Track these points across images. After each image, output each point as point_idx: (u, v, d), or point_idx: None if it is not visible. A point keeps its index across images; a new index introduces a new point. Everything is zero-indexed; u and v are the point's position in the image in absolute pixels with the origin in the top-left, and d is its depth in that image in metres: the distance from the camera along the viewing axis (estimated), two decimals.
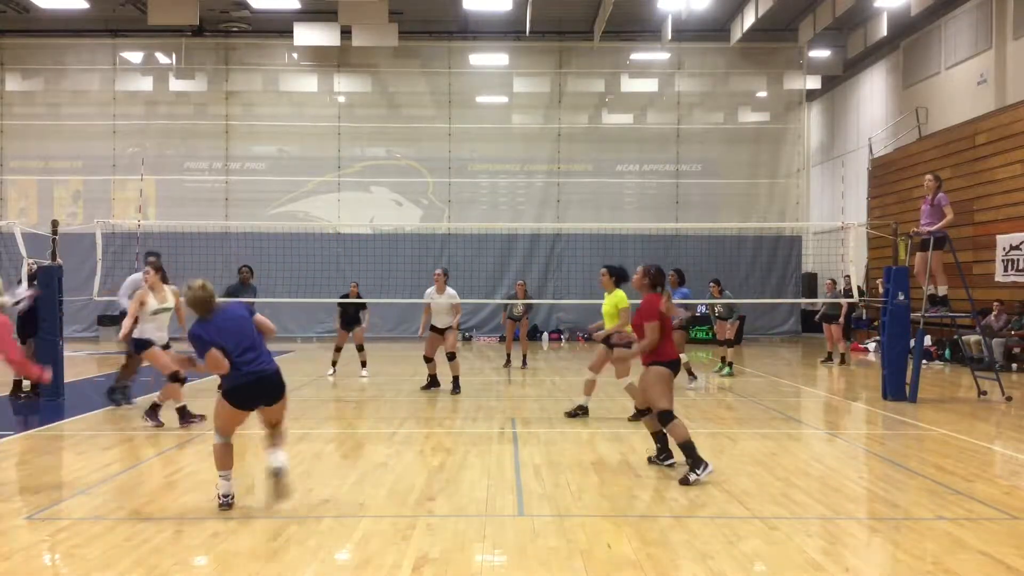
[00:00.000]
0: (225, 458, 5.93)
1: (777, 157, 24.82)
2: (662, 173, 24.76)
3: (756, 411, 10.76)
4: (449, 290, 12.19)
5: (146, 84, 24.54)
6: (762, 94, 25.32)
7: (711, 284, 15.35)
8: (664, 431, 7.12)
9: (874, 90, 23.84)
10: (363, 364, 14.47)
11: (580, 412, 10.06)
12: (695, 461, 6.64)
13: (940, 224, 11.34)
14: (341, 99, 24.80)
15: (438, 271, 12.31)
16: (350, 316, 14.25)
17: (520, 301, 16.34)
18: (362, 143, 24.77)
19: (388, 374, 14.88)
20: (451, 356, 12.17)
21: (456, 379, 12.25)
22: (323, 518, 5.77)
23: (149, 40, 24.18)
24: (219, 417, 5.96)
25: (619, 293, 9.40)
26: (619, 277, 9.44)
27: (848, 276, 16.98)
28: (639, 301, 7.33)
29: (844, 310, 16.92)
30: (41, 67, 24.45)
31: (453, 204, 24.52)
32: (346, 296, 14.34)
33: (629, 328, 9.63)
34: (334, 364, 14.53)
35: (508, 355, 16.37)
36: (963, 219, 17.35)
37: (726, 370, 14.86)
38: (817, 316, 18.02)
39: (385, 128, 24.56)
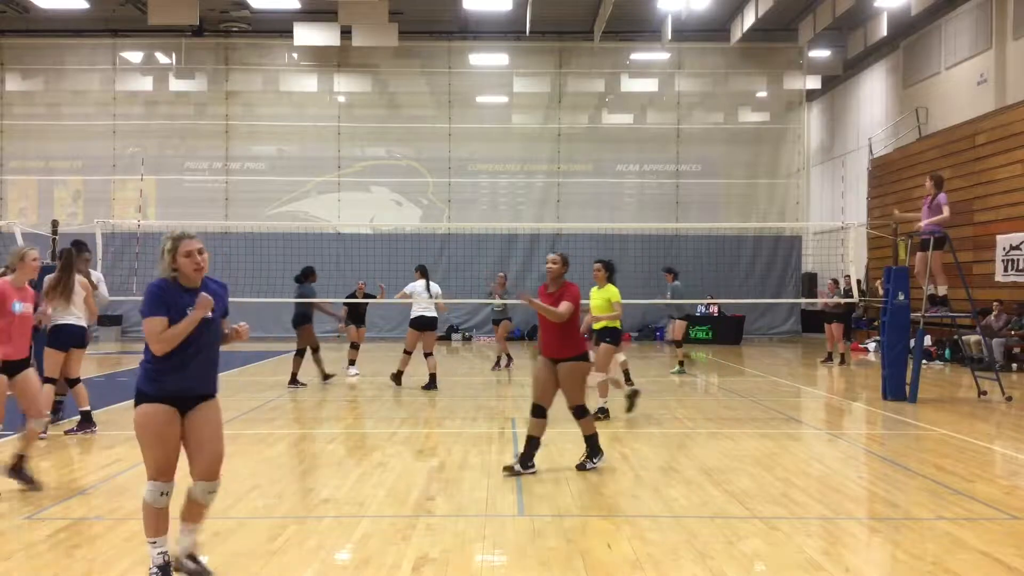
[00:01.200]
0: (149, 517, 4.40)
1: (777, 157, 24.83)
2: (662, 173, 24.76)
3: (756, 411, 10.76)
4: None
5: (146, 84, 24.56)
6: (762, 94, 25.32)
7: (664, 272, 15.19)
8: (595, 435, 7.30)
9: (874, 90, 23.84)
10: (352, 362, 14.52)
11: (601, 415, 9.73)
12: (594, 450, 7.23)
13: (935, 220, 11.31)
14: (341, 99, 24.80)
15: None
16: (359, 314, 14.39)
17: (496, 299, 15.58)
18: (362, 143, 24.77)
19: (388, 374, 14.88)
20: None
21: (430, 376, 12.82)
22: (323, 518, 5.77)
23: (149, 40, 24.19)
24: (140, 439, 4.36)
25: (611, 288, 9.65)
26: (612, 272, 9.77)
27: (848, 276, 16.98)
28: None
29: (832, 305, 16.83)
30: (41, 67, 24.47)
31: (453, 204, 24.52)
32: (352, 295, 14.45)
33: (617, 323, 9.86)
34: (352, 363, 14.51)
35: (508, 356, 16.32)
36: (963, 219, 17.36)
37: (676, 368, 14.98)
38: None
39: (385, 128, 24.57)
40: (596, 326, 9.80)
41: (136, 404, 4.33)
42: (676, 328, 15.28)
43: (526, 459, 7.07)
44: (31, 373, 6.61)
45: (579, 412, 7.15)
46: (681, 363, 15.13)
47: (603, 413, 9.83)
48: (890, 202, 21.25)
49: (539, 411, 7.09)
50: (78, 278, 8.55)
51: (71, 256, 8.47)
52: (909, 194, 19.58)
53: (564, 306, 7.00)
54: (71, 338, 8.58)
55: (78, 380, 8.86)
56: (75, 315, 8.55)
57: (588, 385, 9.14)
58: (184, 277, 4.35)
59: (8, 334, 6.40)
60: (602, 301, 9.66)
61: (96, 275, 9.79)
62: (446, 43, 24.54)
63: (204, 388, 4.44)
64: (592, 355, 9.55)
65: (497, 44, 24.76)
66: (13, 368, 6.45)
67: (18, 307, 6.48)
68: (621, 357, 11.20)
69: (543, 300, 7.16)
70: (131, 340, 22.93)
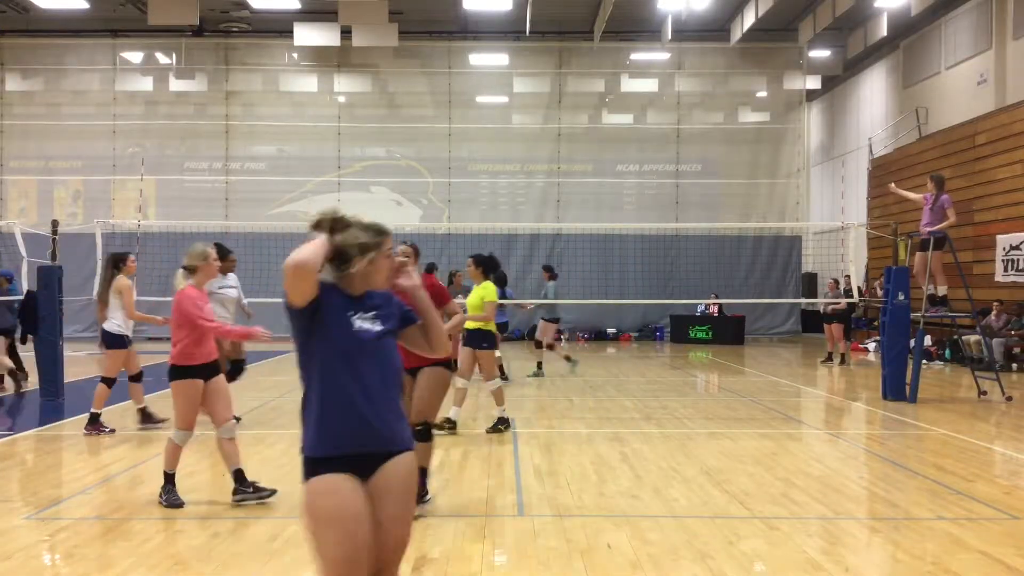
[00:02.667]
0: None
1: (777, 157, 24.82)
2: (662, 173, 24.76)
3: (756, 411, 10.76)
4: None
5: (146, 84, 24.54)
6: (762, 94, 25.32)
7: (543, 270, 14.51)
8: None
9: (874, 90, 23.84)
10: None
11: (448, 426, 8.90)
12: (424, 489, 5.91)
13: (941, 226, 11.36)
14: (341, 99, 24.80)
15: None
16: None
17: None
18: (362, 143, 24.77)
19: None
20: None
21: None
22: None
23: (149, 40, 24.18)
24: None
25: (488, 285, 8.82)
26: (487, 268, 8.83)
27: (848, 276, 16.99)
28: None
29: (839, 306, 16.83)
30: (41, 67, 24.46)
31: (453, 204, 24.52)
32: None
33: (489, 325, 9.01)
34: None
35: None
36: (963, 219, 17.33)
37: (534, 371, 14.23)
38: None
39: (385, 128, 24.56)
40: (468, 326, 8.84)
41: (306, 477, 2.97)
42: (544, 329, 14.43)
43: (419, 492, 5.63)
44: (222, 378, 6.35)
45: (425, 433, 5.89)
46: (539, 364, 14.29)
47: (504, 424, 9.06)
48: (890, 202, 21.24)
49: (426, 433, 5.92)
50: (119, 281, 8.78)
51: (107, 263, 8.99)
52: None
53: (455, 310, 5.98)
54: (106, 341, 8.93)
55: (104, 379, 8.99)
56: (108, 319, 8.83)
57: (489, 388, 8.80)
58: (361, 281, 3.13)
59: (203, 337, 6.22)
60: (477, 300, 8.78)
61: (227, 280, 9.41)
62: (446, 43, 24.54)
63: (388, 440, 3.05)
64: (459, 359, 8.98)
65: (497, 44, 24.75)
66: (209, 372, 6.20)
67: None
68: (498, 354, 10.20)
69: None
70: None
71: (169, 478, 6.07)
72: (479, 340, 9.03)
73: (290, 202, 24.34)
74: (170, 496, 6.01)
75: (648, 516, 5.85)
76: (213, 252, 6.41)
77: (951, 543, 5.21)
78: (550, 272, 14.53)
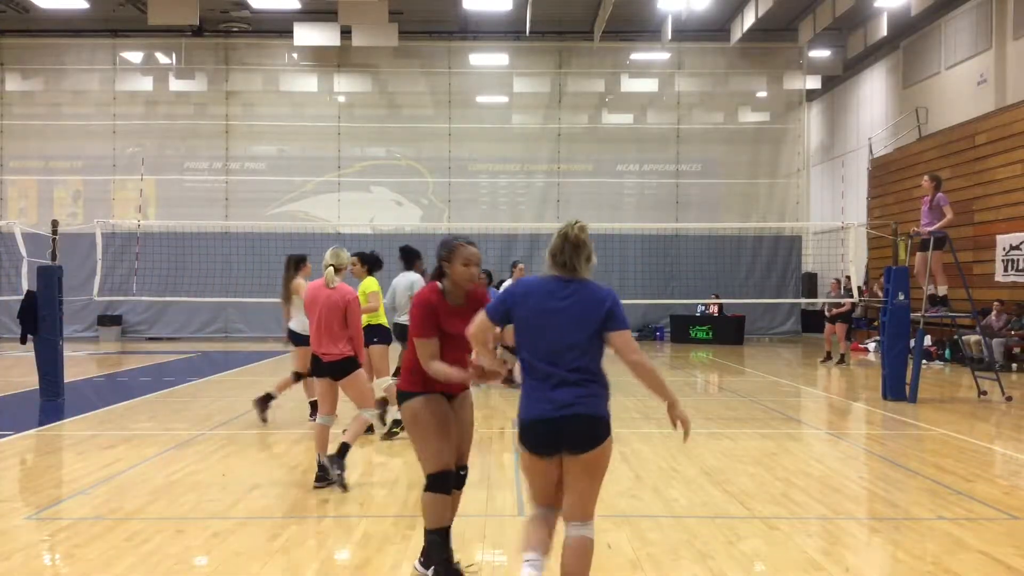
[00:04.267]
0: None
1: (777, 157, 24.82)
2: (662, 173, 24.76)
3: (756, 411, 10.76)
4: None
5: (146, 84, 24.53)
6: (762, 94, 25.31)
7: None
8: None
9: (874, 90, 23.84)
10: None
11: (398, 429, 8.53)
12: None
13: (939, 224, 11.36)
14: (341, 99, 24.80)
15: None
16: None
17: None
18: (362, 143, 24.77)
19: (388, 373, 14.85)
20: None
21: None
22: (323, 518, 5.77)
23: (149, 40, 24.18)
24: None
25: (368, 280, 8.66)
26: (372, 265, 8.78)
27: (848, 276, 16.97)
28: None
29: (844, 308, 16.83)
30: (41, 67, 24.45)
31: (453, 204, 24.52)
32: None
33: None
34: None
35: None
36: (963, 219, 17.36)
37: None
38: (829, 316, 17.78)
39: (385, 128, 24.56)
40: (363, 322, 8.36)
41: (606, 436, 3.77)
42: None
43: (447, 566, 4.43)
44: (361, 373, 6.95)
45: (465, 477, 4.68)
46: None
47: (399, 425, 8.49)
48: (890, 202, 21.27)
49: (448, 480, 4.41)
50: (295, 282, 9.28)
51: (287, 265, 9.46)
52: (909, 194, 19.57)
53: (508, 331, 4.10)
54: (292, 339, 9.54)
55: (295, 373, 9.56)
56: (293, 318, 9.42)
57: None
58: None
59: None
60: (363, 296, 8.52)
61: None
62: (446, 43, 24.54)
63: None
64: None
65: (497, 44, 24.75)
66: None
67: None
68: (388, 381, 8.89)
69: (452, 323, 4.30)
70: (131, 340, 22.95)
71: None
72: (371, 335, 8.55)
73: (290, 202, 24.34)
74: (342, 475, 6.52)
75: (648, 516, 5.85)
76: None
77: (951, 543, 5.21)
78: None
